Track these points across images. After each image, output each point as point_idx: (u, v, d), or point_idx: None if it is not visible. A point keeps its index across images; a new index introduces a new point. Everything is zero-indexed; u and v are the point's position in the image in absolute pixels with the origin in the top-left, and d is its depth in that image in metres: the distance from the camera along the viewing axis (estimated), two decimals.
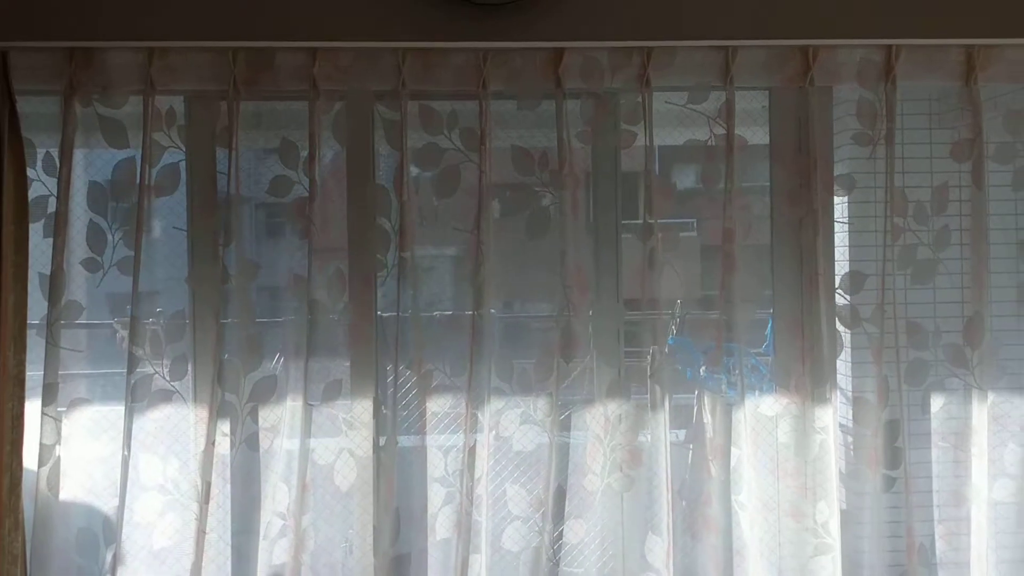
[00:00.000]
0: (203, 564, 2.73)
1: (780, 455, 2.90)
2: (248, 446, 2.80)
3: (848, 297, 2.90)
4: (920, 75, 2.83)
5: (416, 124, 2.81)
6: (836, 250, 2.95)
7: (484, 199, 2.77)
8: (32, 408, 2.70)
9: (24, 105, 2.70)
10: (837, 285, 2.90)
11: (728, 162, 2.80)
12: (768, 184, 2.96)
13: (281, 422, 2.80)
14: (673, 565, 2.81)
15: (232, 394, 2.77)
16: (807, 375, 2.86)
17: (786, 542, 2.89)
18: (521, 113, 2.88)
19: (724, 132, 2.81)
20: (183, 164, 2.81)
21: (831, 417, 2.83)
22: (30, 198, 2.71)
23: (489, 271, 2.78)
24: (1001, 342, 2.92)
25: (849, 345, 2.94)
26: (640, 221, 2.85)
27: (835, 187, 2.92)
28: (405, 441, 2.83)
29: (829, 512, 2.83)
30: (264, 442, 2.81)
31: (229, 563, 2.85)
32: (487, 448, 2.79)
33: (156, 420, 2.79)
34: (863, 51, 2.82)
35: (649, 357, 2.87)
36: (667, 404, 2.82)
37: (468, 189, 2.81)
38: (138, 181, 2.73)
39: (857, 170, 2.91)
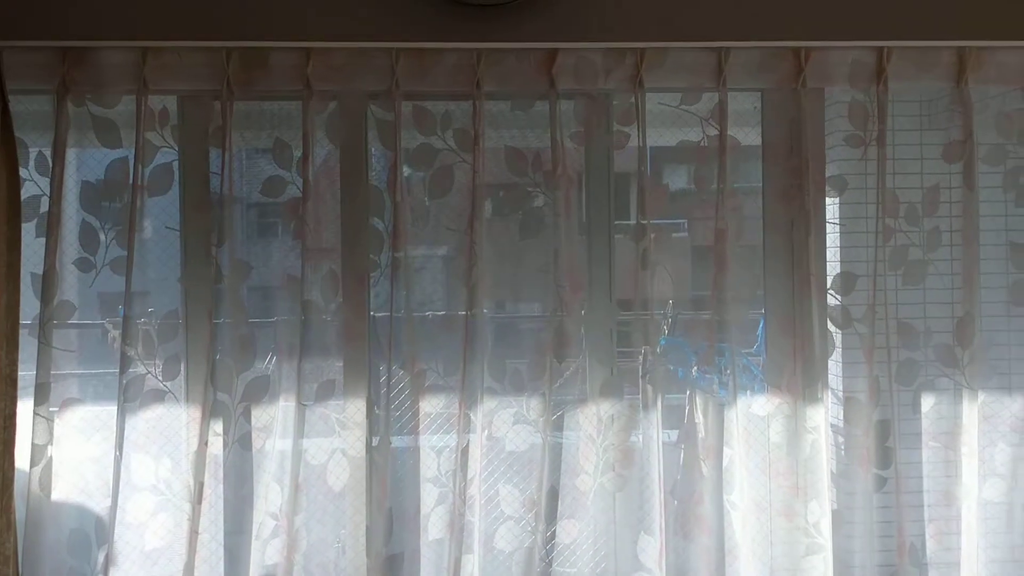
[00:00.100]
0: (195, 564, 2.73)
1: (772, 455, 2.91)
2: (241, 446, 2.80)
3: (839, 297, 2.92)
4: (911, 77, 2.85)
5: (410, 124, 2.82)
6: (828, 251, 2.96)
7: (477, 199, 2.77)
8: (24, 408, 2.69)
9: (16, 104, 2.70)
10: (829, 285, 2.92)
11: (721, 163, 2.81)
12: (760, 185, 2.96)
13: (274, 422, 2.80)
14: (665, 565, 2.82)
15: (225, 394, 2.77)
16: (799, 375, 2.87)
17: (778, 542, 2.90)
18: (514, 114, 2.88)
19: (717, 133, 2.82)
20: (176, 164, 2.81)
21: (822, 417, 2.85)
22: (23, 198, 2.71)
23: (482, 271, 2.79)
24: (991, 342, 2.95)
25: (840, 345, 2.96)
26: (633, 221, 2.85)
27: (827, 188, 2.93)
28: (398, 441, 2.83)
29: (820, 512, 2.84)
30: (257, 442, 2.81)
31: (222, 563, 2.84)
32: (480, 448, 2.80)
33: (148, 420, 2.79)
34: (855, 53, 2.83)
35: (641, 357, 2.88)
36: (659, 404, 2.83)
37: (461, 189, 2.82)
38: (131, 181, 2.73)
39: (849, 171, 2.93)
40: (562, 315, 2.82)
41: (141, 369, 2.76)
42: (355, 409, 2.83)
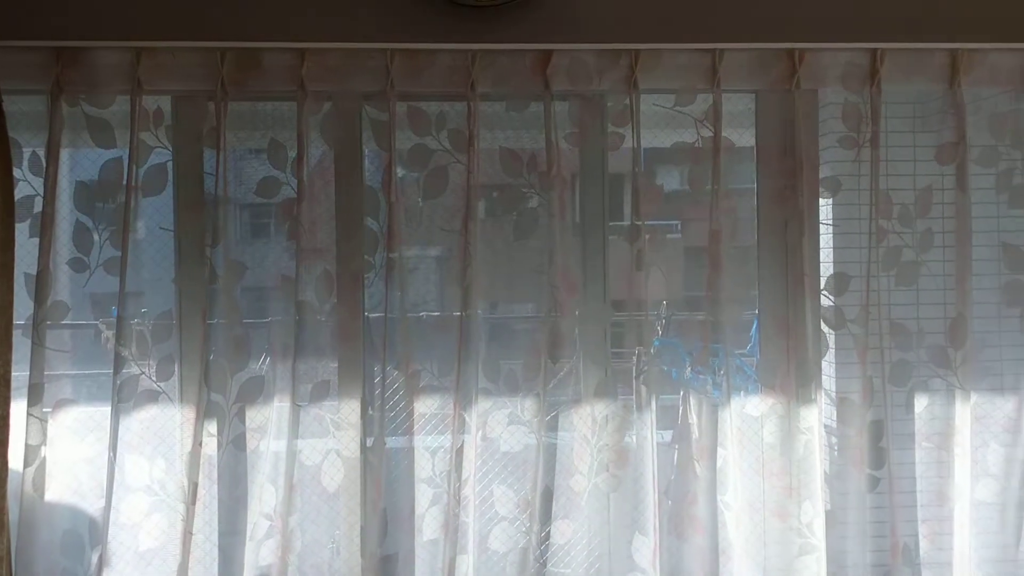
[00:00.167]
0: (189, 565, 2.73)
1: (765, 455, 2.92)
2: (235, 447, 2.80)
3: (833, 298, 2.92)
4: (905, 79, 2.86)
5: (404, 125, 2.82)
6: (821, 252, 2.97)
7: (472, 200, 2.77)
8: (17, 409, 2.68)
9: (10, 104, 2.69)
10: (822, 286, 2.93)
11: (715, 164, 2.82)
12: (754, 186, 2.97)
13: (268, 423, 2.80)
14: (659, 565, 2.82)
15: (219, 394, 2.77)
16: (792, 375, 2.88)
17: (771, 542, 2.91)
18: (509, 114, 2.88)
19: (711, 134, 2.83)
20: (170, 164, 2.80)
21: (816, 417, 2.85)
22: (16, 198, 2.70)
23: (476, 272, 2.79)
24: (983, 343, 2.96)
25: (834, 346, 2.96)
26: (627, 222, 2.86)
27: (820, 189, 2.94)
28: (392, 442, 2.83)
29: (814, 512, 2.84)
30: (251, 443, 2.81)
31: (216, 564, 2.84)
32: (474, 449, 2.80)
33: (142, 421, 2.78)
34: (848, 55, 2.84)
35: (635, 358, 2.88)
36: (653, 405, 2.84)
37: (456, 190, 2.82)
38: (125, 181, 2.73)
39: (842, 172, 2.93)
40: (556, 316, 2.82)
41: (135, 370, 2.75)
42: (349, 410, 2.82)
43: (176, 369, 2.81)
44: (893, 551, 2.88)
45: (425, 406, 2.85)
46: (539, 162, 2.84)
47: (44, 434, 2.71)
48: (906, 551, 2.91)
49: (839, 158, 2.93)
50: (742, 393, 2.95)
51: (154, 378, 2.78)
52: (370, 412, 2.81)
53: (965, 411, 2.89)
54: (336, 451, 2.83)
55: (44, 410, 2.71)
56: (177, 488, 2.75)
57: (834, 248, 3.01)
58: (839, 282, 2.93)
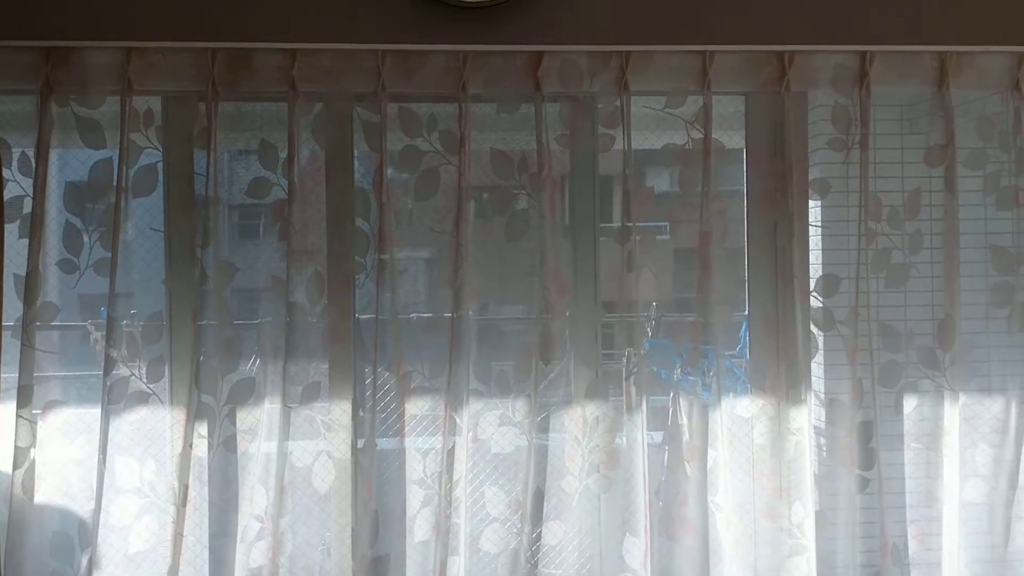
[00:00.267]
0: (180, 567, 2.72)
1: (756, 456, 2.92)
2: (226, 448, 2.79)
3: (822, 300, 2.94)
4: (894, 81, 2.87)
5: (395, 126, 2.81)
6: (811, 253, 2.98)
7: (463, 201, 2.78)
8: (7, 410, 2.68)
9: None
10: (812, 288, 2.94)
11: (705, 166, 2.83)
12: (744, 188, 2.98)
13: (259, 424, 2.79)
14: (650, 566, 2.83)
15: (210, 396, 2.76)
16: (782, 377, 2.89)
17: (762, 542, 2.92)
18: (500, 116, 2.89)
19: (701, 136, 2.84)
20: (161, 165, 2.80)
21: (806, 418, 2.86)
22: (5, 198, 2.69)
23: (467, 273, 2.79)
24: (972, 344, 2.97)
25: (823, 347, 2.97)
26: (618, 224, 2.87)
27: (810, 191, 2.95)
28: (383, 443, 2.83)
29: (804, 513, 2.86)
30: (242, 444, 2.80)
31: (206, 566, 2.82)
32: (466, 450, 2.80)
33: (132, 422, 2.77)
34: (838, 57, 2.86)
35: (625, 359, 2.89)
36: (644, 406, 2.84)
37: (447, 191, 2.82)
38: (115, 182, 2.72)
39: (832, 174, 2.95)
40: (547, 317, 2.82)
41: (125, 371, 2.74)
42: (340, 411, 2.82)
43: (166, 370, 2.80)
44: (882, 551, 2.89)
45: (416, 407, 2.85)
46: (530, 163, 2.84)
47: (33, 436, 2.70)
48: (895, 551, 2.92)
49: (828, 160, 2.94)
50: (732, 394, 2.96)
51: (144, 379, 2.77)
52: (361, 413, 2.80)
53: (954, 412, 2.90)
54: (327, 453, 2.82)
55: (33, 412, 2.70)
56: (167, 490, 2.74)
57: (823, 250, 3.02)
58: (828, 284, 2.94)
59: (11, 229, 2.71)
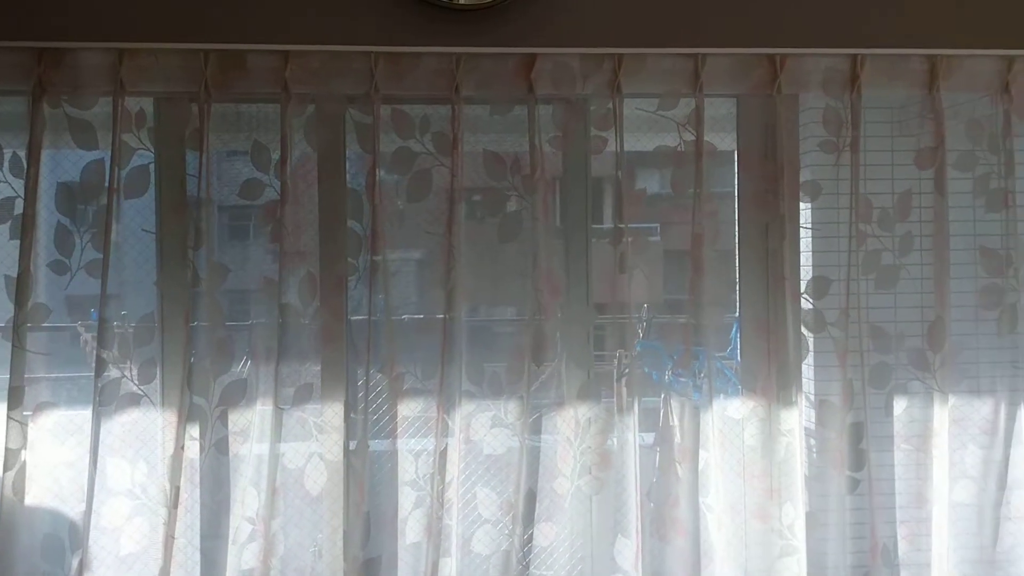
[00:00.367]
0: (171, 569, 2.71)
1: (747, 457, 2.93)
2: (217, 450, 2.78)
3: (813, 301, 2.94)
4: (884, 84, 2.88)
5: (388, 128, 2.81)
6: (801, 255, 2.99)
7: (455, 203, 2.78)
8: None
9: None
10: (803, 290, 2.95)
11: (697, 168, 2.83)
12: (735, 190, 2.99)
13: (251, 426, 2.79)
14: (642, 567, 2.83)
15: (201, 398, 2.76)
16: (773, 378, 2.90)
17: (753, 543, 2.92)
18: (493, 118, 2.89)
19: (693, 138, 2.84)
20: (152, 166, 2.79)
21: (796, 420, 2.87)
22: None
23: (460, 275, 2.79)
24: (961, 346, 2.98)
25: (814, 349, 2.98)
26: (610, 226, 2.87)
27: (801, 193, 2.96)
28: (376, 445, 2.83)
29: (795, 514, 2.86)
30: (233, 446, 2.80)
31: (198, 568, 2.82)
32: (458, 451, 2.80)
33: (124, 424, 2.76)
34: (829, 60, 2.86)
35: (616, 361, 2.90)
36: (635, 407, 2.84)
37: (440, 193, 2.82)
38: (107, 183, 2.71)
39: (823, 176, 2.96)
40: (540, 318, 2.82)
41: (116, 373, 2.73)
42: (332, 413, 2.82)
43: (158, 372, 2.79)
44: (872, 552, 2.91)
45: (408, 409, 2.85)
46: (523, 165, 2.84)
47: (24, 437, 2.69)
48: (885, 552, 2.93)
49: (819, 162, 2.95)
50: (723, 396, 2.96)
51: (136, 381, 2.76)
52: (353, 415, 2.80)
53: (943, 413, 2.91)
54: (319, 454, 2.82)
55: (24, 413, 2.69)
56: (159, 492, 2.74)
57: (814, 252, 3.03)
58: (819, 285, 2.95)
59: (2, 230, 2.71)
